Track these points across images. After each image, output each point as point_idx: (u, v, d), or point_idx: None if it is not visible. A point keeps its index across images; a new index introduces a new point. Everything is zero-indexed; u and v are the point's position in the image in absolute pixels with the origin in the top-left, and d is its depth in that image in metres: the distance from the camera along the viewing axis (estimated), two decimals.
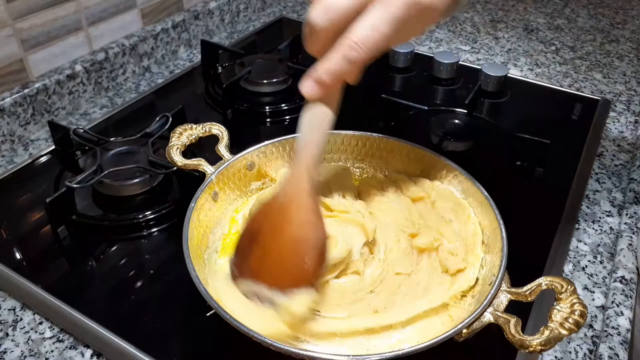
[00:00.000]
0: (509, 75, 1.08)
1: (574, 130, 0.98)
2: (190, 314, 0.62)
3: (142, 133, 0.84)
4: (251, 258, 0.54)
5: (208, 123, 0.70)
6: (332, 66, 0.49)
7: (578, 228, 0.79)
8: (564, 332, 0.46)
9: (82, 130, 0.84)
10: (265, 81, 1.02)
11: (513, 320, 0.49)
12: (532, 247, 0.72)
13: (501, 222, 0.59)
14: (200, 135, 0.70)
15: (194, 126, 0.70)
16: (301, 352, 0.48)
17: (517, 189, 0.84)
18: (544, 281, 0.51)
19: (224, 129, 0.71)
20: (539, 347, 0.46)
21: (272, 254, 0.54)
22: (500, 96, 1.06)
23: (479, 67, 1.08)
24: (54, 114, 0.98)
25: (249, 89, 1.03)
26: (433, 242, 0.62)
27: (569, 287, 0.49)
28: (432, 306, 0.56)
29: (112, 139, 0.84)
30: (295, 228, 0.53)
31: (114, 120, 0.98)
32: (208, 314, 0.59)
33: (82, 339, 0.62)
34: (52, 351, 0.61)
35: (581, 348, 0.62)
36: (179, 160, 0.67)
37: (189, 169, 0.67)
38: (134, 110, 1.01)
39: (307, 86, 0.51)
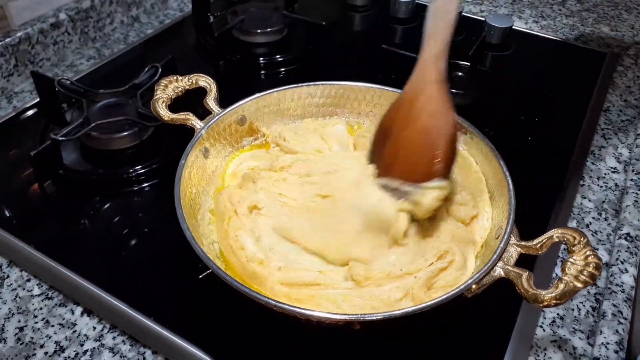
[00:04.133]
0: (513, 27, 1.04)
1: (580, 84, 0.95)
2: (184, 272, 0.60)
3: (131, 84, 0.80)
4: (386, 155, 0.57)
5: (195, 74, 0.66)
6: None
7: (583, 184, 0.77)
8: (579, 285, 0.45)
9: (67, 82, 0.79)
10: (259, 31, 0.97)
11: (525, 275, 0.47)
12: (535, 203, 0.70)
13: (507, 173, 0.57)
14: (187, 87, 0.66)
15: (180, 78, 0.66)
16: (302, 310, 0.46)
17: (521, 144, 0.81)
18: (555, 233, 0.48)
19: (212, 81, 0.66)
20: (554, 301, 0.44)
21: (404, 147, 0.56)
22: (505, 49, 1.02)
23: (483, 19, 1.04)
24: (38, 65, 0.94)
25: (242, 39, 0.98)
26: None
27: (582, 239, 0.47)
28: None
29: (99, 90, 0.80)
30: (424, 119, 0.54)
31: (102, 72, 0.94)
32: (201, 276, 0.57)
33: (71, 296, 0.60)
34: (40, 308, 0.59)
35: (584, 305, 0.61)
36: (165, 114, 0.63)
37: (177, 123, 0.63)
38: (122, 62, 0.97)
39: None
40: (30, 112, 0.84)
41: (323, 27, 1.01)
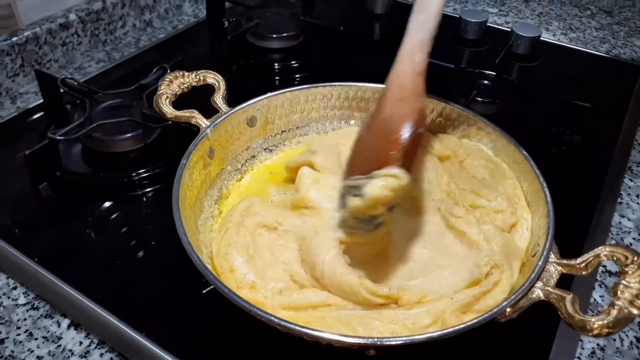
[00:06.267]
0: (541, 38, 0.99)
1: (615, 97, 0.89)
2: (186, 286, 0.54)
3: (137, 85, 0.75)
4: (353, 153, 0.54)
5: (203, 71, 0.62)
6: None
7: (621, 202, 0.70)
8: (635, 311, 0.38)
9: (71, 81, 0.76)
10: (274, 36, 0.93)
11: (569, 297, 0.40)
12: (568, 223, 0.64)
13: (544, 183, 0.51)
14: (194, 84, 0.61)
15: (187, 74, 0.61)
16: (310, 331, 0.40)
17: (552, 157, 0.75)
18: (602, 251, 0.42)
19: (221, 78, 0.62)
20: (606, 330, 0.37)
21: (367, 139, 0.52)
22: (533, 60, 0.97)
23: (509, 29, 0.99)
24: (46, 66, 0.91)
25: (257, 44, 0.94)
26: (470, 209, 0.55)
27: (636, 259, 0.41)
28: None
29: (103, 91, 0.76)
30: (389, 107, 0.51)
31: (111, 76, 0.90)
32: (204, 291, 0.51)
33: (59, 307, 0.55)
34: (24, 319, 0.54)
35: (627, 335, 0.54)
36: (168, 111, 0.58)
37: (181, 121, 0.58)
38: (132, 66, 0.93)
39: None
40: (32, 113, 0.80)
41: (341, 32, 0.96)
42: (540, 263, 0.43)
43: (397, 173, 0.46)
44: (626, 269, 0.40)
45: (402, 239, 0.52)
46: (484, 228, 0.51)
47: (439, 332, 0.40)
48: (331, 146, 0.60)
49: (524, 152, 0.55)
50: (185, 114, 0.58)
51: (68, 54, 0.94)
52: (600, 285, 0.59)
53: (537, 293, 0.42)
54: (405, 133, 0.48)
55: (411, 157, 0.49)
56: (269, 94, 0.62)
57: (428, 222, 0.54)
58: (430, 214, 0.54)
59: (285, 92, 0.63)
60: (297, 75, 0.91)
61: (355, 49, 0.98)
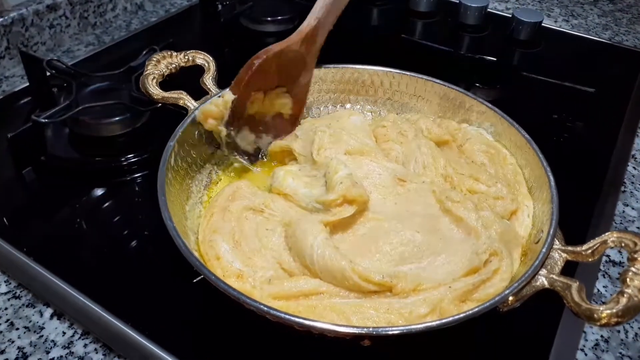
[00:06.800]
0: (542, 25, 0.96)
1: (617, 84, 0.87)
2: (176, 275, 0.52)
3: (126, 67, 0.73)
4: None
5: (192, 51, 0.59)
6: None
7: (624, 190, 0.68)
8: None
9: (58, 63, 0.73)
10: (269, 19, 0.90)
11: (575, 285, 0.38)
12: (570, 212, 0.62)
13: (548, 168, 0.49)
14: (182, 64, 0.59)
15: (175, 54, 0.58)
16: (301, 320, 0.38)
17: (554, 143, 0.73)
18: (610, 237, 0.40)
19: (211, 58, 0.59)
20: (615, 319, 0.35)
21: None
22: (534, 46, 0.94)
23: (509, 15, 0.96)
24: (32, 49, 0.88)
25: (251, 27, 0.91)
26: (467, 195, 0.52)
27: None
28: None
29: (91, 73, 0.73)
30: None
31: (100, 59, 0.87)
32: (195, 280, 0.49)
33: (42, 296, 0.52)
34: (6, 308, 0.51)
35: (632, 327, 0.53)
36: (155, 92, 0.56)
37: (168, 102, 0.56)
38: (122, 50, 0.90)
39: None
40: (19, 98, 0.77)
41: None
42: (544, 249, 0.41)
43: (224, 93, 0.55)
44: (635, 256, 0.38)
45: (392, 221, 0.49)
46: (483, 214, 0.49)
47: (438, 322, 0.38)
48: (311, 131, 0.58)
49: (527, 136, 0.53)
50: (172, 95, 0.56)
51: (56, 37, 0.91)
52: (604, 275, 0.57)
53: (541, 281, 0.40)
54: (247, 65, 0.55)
55: (240, 80, 0.55)
56: None
57: (420, 204, 0.51)
58: (422, 196, 0.52)
59: None
60: None
61: (351, 32, 0.96)
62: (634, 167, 0.72)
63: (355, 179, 0.50)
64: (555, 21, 1.07)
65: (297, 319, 0.37)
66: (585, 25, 1.06)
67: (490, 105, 0.58)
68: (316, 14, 0.62)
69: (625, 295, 0.37)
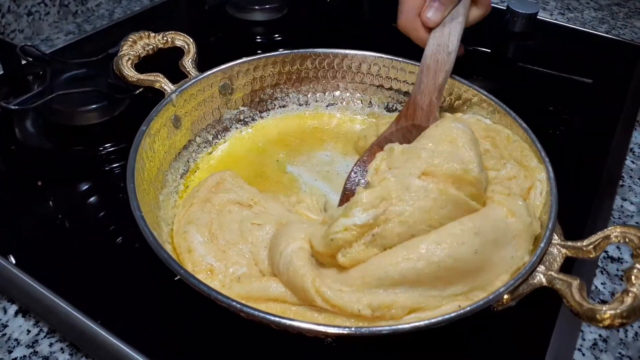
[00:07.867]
0: (538, 17, 0.94)
1: (614, 78, 0.84)
2: (147, 272, 0.49)
3: (104, 54, 0.69)
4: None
5: (171, 32, 0.56)
6: None
7: (622, 185, 0.66)
8: None
9: (32, 49, 0.69)
10: (256, 7, 0.87)
11: (575, 283, 0.35)
12: (567, 206, 0.59)
13: (546, 158, 0.46)
14: (160, 45, 0.55)
15: (153, 34, 0.55)
16: (279, 320, 0.35)
17: (549, 137, 0.70)
18: (612, 232, 0.37)
19: (191, 40, 0.56)
20: (618, 320, 0.33)
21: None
22: (529, 38, 0.92)
23: (504, 7, 0.94)
24: (9, 36, 0.84)
25: (238, 16, 0.88)
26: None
27: None
28: None
29: (67, 60, 0.70)
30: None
31: (80, 48, 0.84)
32: (177, 278, 0.45)
33: (6, 293, 0.49)
34: None
35: (632, 326, 0.50)
36: (129, 74, 0.53)
37: (144, 85, 0.52)
38: (103, 39, 0.87)
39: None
40: None
41: (327, 5, 0.91)
42: (542, 245, 0.38)
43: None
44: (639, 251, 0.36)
45: None
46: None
47: (427, 322, 0.35)
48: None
49: (524, 125, 0.50)
50: (149, 77, 0.53)
51: (34, 25, 0.87)
52: (602, 272, 0.55)
53: (539, 278, 0.37)
54: None
55: None
56: (244, 59, 0.57)
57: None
58: None
59: (263, 57, 0.58)
60: (281, 50, 0.85)
61: (342, 22, 0.93)
62: (632, 161, 0.70)
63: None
64: (551, 14, 1.05)
65: (273, 318, 0.34)
66: (582, 19, 1.04)
67: (484, 92, 0.56)
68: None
69: (630, 294, 0.34)
